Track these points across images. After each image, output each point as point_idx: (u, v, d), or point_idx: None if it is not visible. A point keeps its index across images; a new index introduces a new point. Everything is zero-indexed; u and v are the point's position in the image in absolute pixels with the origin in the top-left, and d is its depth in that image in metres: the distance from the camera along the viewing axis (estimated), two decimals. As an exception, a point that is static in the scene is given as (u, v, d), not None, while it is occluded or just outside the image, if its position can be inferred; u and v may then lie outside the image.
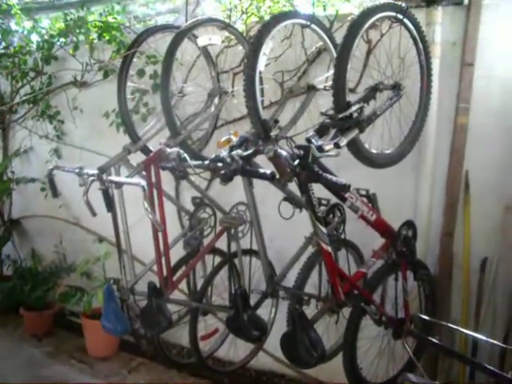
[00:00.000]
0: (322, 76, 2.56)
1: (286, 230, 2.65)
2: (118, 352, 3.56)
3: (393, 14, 2.11)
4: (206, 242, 2.76)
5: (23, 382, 3.16)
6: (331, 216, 2.29)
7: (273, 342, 2.46)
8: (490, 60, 2.47)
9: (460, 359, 2.28)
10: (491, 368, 1.85)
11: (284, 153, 1.73)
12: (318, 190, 1.99)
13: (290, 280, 2.43)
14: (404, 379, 1.25)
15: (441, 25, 2.50)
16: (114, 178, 2.56)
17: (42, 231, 4.34)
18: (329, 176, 1.68)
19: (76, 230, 4.03)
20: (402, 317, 2.30)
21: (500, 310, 2.46)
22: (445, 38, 2.52)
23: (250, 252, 2.56)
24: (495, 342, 2.11)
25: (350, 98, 1.99)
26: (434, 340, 1.98)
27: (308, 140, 1.80)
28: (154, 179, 2.41)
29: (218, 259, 2.73)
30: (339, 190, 1.86)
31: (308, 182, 1.84)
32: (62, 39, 3.85)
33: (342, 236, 2.32)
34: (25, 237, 4.55)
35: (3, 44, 4.11)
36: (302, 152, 1.73)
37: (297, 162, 1.73)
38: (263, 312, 2.51)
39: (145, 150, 2.76)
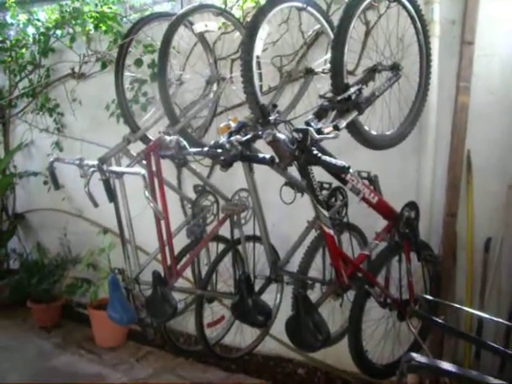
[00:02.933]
0: (321, 59, 2.55)
1: (288, 215, 2.66)
2: (126, 341, 3.61)
3: (390, -7, 2.09)
4: (209, 229, 2.77)
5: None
6: (333, 199, 2.29)
7: (279, 327, 2.46)
8: (490, 38, 2.43)
9: (466, 338, 2.28)
10: (497, 346, 1.86)
11: (283, 136, 1.72)
12: (320, 174, 1.99)
13: (294, 264, 2.43)
14: (407, 358, 1.26)
15: (439, 3, 2.46)
16: (114, 168, 2.57)
17: (46, 224, 4.37)
18: (328, 158, 1.66)
19: (80, 222, 4.05)
20: (406, 298, 2.30)
21: (504, 289, 2.45)
22: (444, 16, 2.49)
23: (253, 238, 2.56)
24: (500, 320, 2.11)
25: (350, 80, 1.97)
26: (438, 320, 1.98)
27: (307, 123, 1.79)
28: (154, 168, 2.41)
29: (221, 246, 2.73)
30: (339, 171, 1.85)
31: (307, 165, 1.83)
32: (59, 31, 3.84)
33: (345, 219, 2.32)
34: (30, 230, 4.58)
35: (-1, 38, 4.12)
36: (300, 135, 1.72)
37: (295, 145, 1.72)
38: (269, 298, 2.52)
39: (144, 140, 2.75)
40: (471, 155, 2.50)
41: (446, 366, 1.26)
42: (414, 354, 1.26)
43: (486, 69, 2.45)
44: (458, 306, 2.36)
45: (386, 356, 2.38)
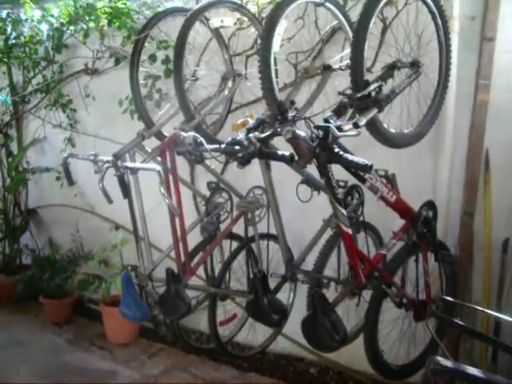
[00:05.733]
0: (337, 56, 2.51)
1: (303, 213, 2.63)
2: (138, 338, 3.59)
3: (410, -12, 2.06)
4: (222, 227, 2.75)
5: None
6: (349, 198, 2.25)
7: (291, 326, 2.45)
8: (511, 34, 2.39)
9: (485, 340, 2.24)
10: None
11: (303, 134, 1.70)
12: (336, 173, 1.96)
13: (309, 263, 2.41)
14: (432, 362, 1.22)
15: (459, -1, 2.42)
16: (129, 163, 2.55)
17: (58, 220, 4.37)
18: (350, 156, 1.64)
19: (92, 218, 4.05)
20: (423, 299, 2.27)
21: (523, 290, 2.42)
22: (463, 12, 2.44)
23: (267, 236, 2.54)
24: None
25: (367, 77, 1.94)
26: (457, 321, 1.94)
27: (326, 120, 1.76)
28: (169, 164, 2.40)
29: (235, 244, 2.72)
30: (361, 170, 1.82)
31: (328, 163, 1.80)
32: (72, 27, 3.83)
33: (361, 218, 2.29)
34: (42, 226, 4.59)
35: (14, 34, 4.11)
36: (321, 132, 1.69)
37: (316, 142, 1.69)
38: (281, 296, 2.50)
39: (159, 136, 2.74)
40: (489, 153, 2.46)
41: (473, 371, 1.23)
42: (439, 358, 1.23)
43: (507, 66, 2.40)
44: (476, 306, 2.32)
45: (401, 356, 2.35)
